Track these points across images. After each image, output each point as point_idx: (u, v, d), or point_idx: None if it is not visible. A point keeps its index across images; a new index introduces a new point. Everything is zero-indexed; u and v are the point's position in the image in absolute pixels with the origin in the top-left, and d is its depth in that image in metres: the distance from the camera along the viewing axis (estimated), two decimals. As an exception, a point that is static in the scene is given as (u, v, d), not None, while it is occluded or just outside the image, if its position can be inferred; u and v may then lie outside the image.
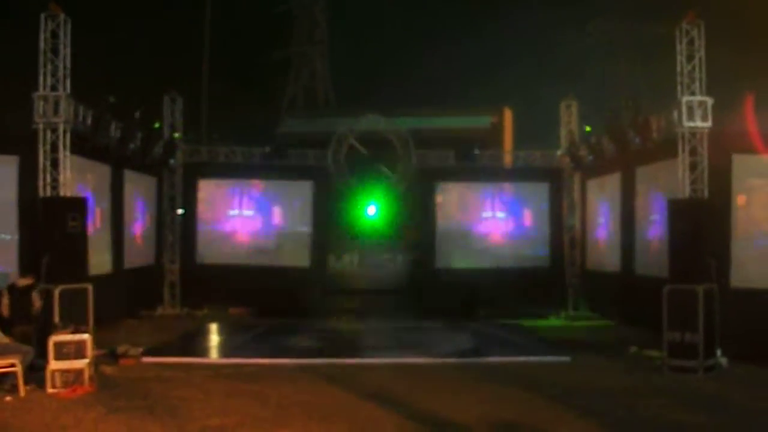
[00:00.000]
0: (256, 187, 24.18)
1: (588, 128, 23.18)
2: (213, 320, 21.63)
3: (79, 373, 12.80)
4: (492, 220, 24.26)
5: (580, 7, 37.00)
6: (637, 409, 11.88)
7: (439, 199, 24.13)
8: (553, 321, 22.13)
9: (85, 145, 17.36)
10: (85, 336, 13.16)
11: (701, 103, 15.64)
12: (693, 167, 15.74)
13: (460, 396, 12.75)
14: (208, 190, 24.14)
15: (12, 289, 13.87)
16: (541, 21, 37.58)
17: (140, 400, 12.13)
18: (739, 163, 16.17)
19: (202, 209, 23.99)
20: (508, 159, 25.44)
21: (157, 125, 21.80)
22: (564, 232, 23.97)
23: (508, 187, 24.37)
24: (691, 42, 15.55)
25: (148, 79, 28.24)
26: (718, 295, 14.65)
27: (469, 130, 28.43)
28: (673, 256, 15.32)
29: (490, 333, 19.78)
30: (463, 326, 20.66)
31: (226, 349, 18.13)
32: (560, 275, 23.77)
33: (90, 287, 14.59)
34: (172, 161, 23.18)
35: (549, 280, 23.52)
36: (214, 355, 17.54)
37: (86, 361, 12.94)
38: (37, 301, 13.99)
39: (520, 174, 24.39)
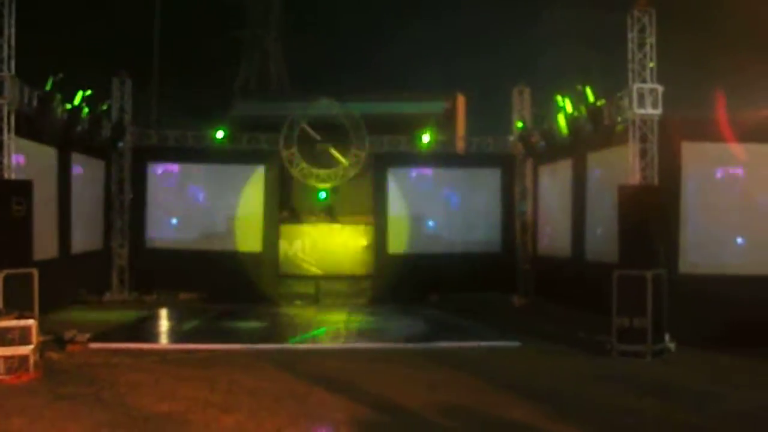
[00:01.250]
0: (207, 170, 23.92)
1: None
2: (163, 305, 21.48)
3: (23, 359, 12.55)
4: (445, 206, 24.29)
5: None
6: (585, 393, 11.99)
7: (392, 184, 24.06)
8: (505, 305, 22.22)
9: (30, 127, 17.00)
10: (30, 321, 12.89)
11: (652, 91, 15.75)
12: (643, 154, 15.86)
13: (410, 381, 12.75)
14: (157, 173, 23.82)
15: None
16: (495, 7, 37.61)
17: (87, 387, 11.94)
18: (689, 150, 16.34)
19: (152, 193, 23.66)
20: (461, 145, 25.46)
21: (105, 107, 21.45)
22: (516, 218, 24.09)
23: (460, 173, 24.40)
24: (642, 29, 15.64)
25: (96, 61, 27.69)
26: (666, 280, 14.82)
27: (423, 116, 28.33)
28: (623, 242, 15.47)
29: (442, 318, 19.84)
30: (416, 311, 20.73)
31: (175, 335, 17.97)
32: (512, 260, 23.90)
33: (35, 272, 14.35)
34: (120, 144, 22.84)
35: (501, 265, 23.60)
36: (163, 340, 17.36)
37: (31, 347, 12.68)
38: None
39: (473, 160, 24.41)
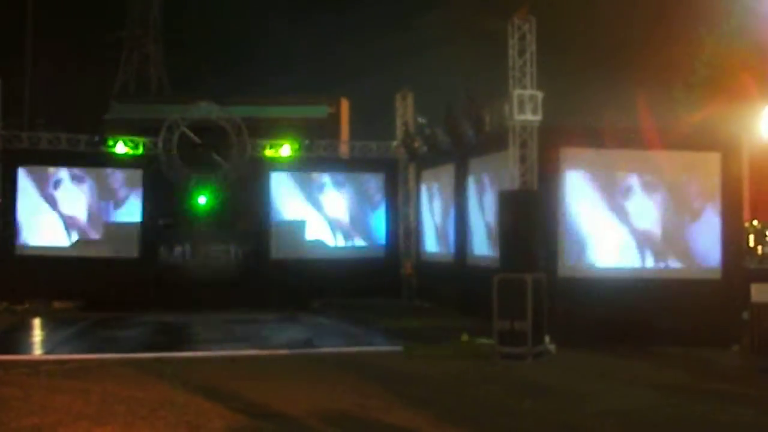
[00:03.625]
0: (82, 175, 23.20)
1: (421, 120, 23.46)
2: (35, 315, 20.71)
3: None
4: (327, 210, 24.21)
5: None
6: (466, 396, 12.04)
7: (274, 188, 23.83)
8: (389, 310, 22.23)
9: None
10: None
11: (532, 97, 15.96)
12: (523, 159, 16.06)
13: (291, 387, 12.56)
14: (29, 178, 22.94)
15: None
16: (378, 13, 37.88)
17: (-50, 401, 11.33)
18: (567, 156, 16.69)
19: (23, 198, 22.78)
20: (344, 149, 25.48)
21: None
22: (399, 222, 24.18)
23: (343, 177, 24.40)
24: (522, 37, 15.86)
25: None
26: (546, 284, 15.04)
27: (306, 120, 28.31)
28: (503, 246, 15.66)
29: (325, 324, 19.75)
30: (298, 318, 20.58)
31: (48, 345, 17.33)
32: (395, 265, 23.97)
33: None
34: (-12, 147, 21.92)
35: (385, 270, 23.68)
36: (35, 351, 16.68)
37: None
38: None
39: (356, 164, 24.47)
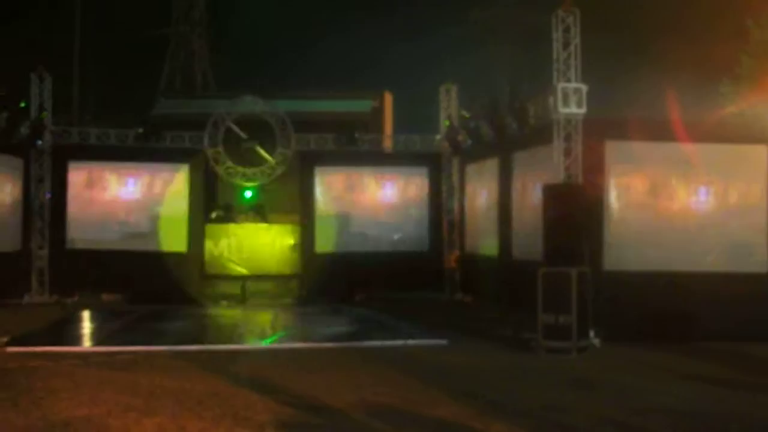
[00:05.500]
0: (130, 169, 23.48)
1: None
2: (84, 307, 20.98)
3: (-64, 364, 12.16)
4: (371, 204, 24.25)
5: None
6: (511, 390, 12.03)
7: (318, 182, 23.95)
8: (433, 304, 22.25)
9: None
10: (-57, 325, 12.51)
11: (576, 90, 15.89)
12: (568, 153, 16.00)
13: (336, 380, 12.65)
14: (79, 172, 23.28)
15: None
16: (424, 6, 37.84)
17: (3, 392, 11.54)
18: (613, 149, 16.57)
19: (73, 193, 23.12)
20: (388, 143, 25.49)
21: (23, 104, 20.92)
22: (443, 217, 24.17)
23: (387, 172, 24.41)
24: (567, 29, 15.78)
25: (14, 56, 27.03)
26: (591, 277, 14.98)
27: (350, 114, 28.36)
28: (548, 240, 15.58)
29: (369, 317, 19.80)
30: (343, 310, 20.67)
31: (97, 337, 17.55)
32: (439, 259, 23.97)
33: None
34: (39, 143, 22.28)
35: (428, 263, 23.66)
36: (84, 343, 16.93)
37: (-56, 351, 12.30)
38: None
39: (400, 158, 24.47)
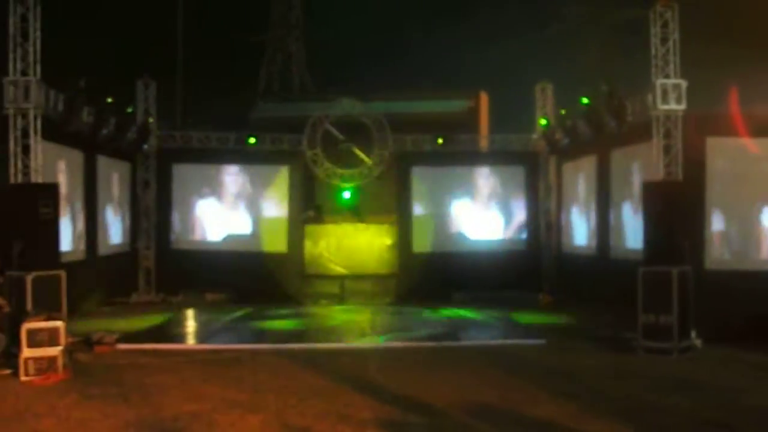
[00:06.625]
0: (232, 171, 24.07)
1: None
2: (189, 306, 21.54)
3: (52, 360, 12.68)
4: (467, 204, 24.27)
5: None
6: (611, 390, 11.93)
7: (415, 183, 24.08)
8: (529, 303, 22.12)
9: (57, 131, 17.17)
10: (59, 323, 13.04)
11: (675, 86, 15.67)
12: (667, 150, 15.78)
13: (436, 379, 12.75)
14: (182, 175, 23.98)
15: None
16: (519, 4, 37.58)
17: (114, 387, 12.03)
18: (713, 145, 16.25)
19: (177, 194, 23.83)
20: (483, 143, 25.47)
21: (130, 110, 21.63)
22: (540, 216, 24.04)
23: (484, 171, 24.39)
24: (665, 25, 15.57)
25: (121, 64, 27.95)
26: (692, 276, 14.72)
27: (445, 114, 28.36)
28: (648, 239, 15.38)
29: (467, 316, 19.84)
30: (440, 310, 20.71)
31: (202, 335, 18.04)
32: (536, 258, 23.86)
33: (63, 274, 14.45)
34: (145, 147, 23.06)
35: (525, 263, 23.56)
36: (190, 341, 17.44)
37: (60, 348, 12.82)
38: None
39: (496, 158, 24.42)
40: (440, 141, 23.77)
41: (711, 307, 14.88)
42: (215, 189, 24.09)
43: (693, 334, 14.82)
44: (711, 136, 16.22)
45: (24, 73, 15.30)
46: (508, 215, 24.15)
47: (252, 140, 23.55)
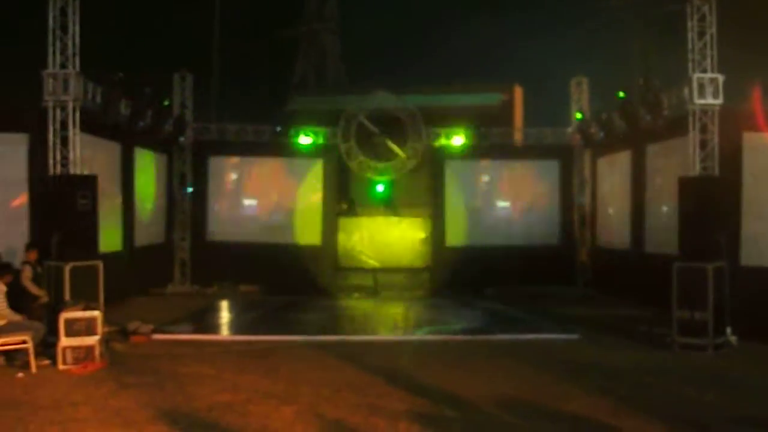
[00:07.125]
0: (267, 164, 24.21)
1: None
2: (223, 297, 21.73)
3: (89, 349, 12.89)
4: (502, 198, 24.23)
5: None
6: (645, 386, 11.92)
7: (448, 176, 24.06)
8: (563, 298, 22.04)
9: (95, 123, 17.38)
10: (96, 313, 13.25)
11: (712, 80, 15.57)
12: (703, 145, 15.68)
13: (469, 372, 12.80)
14: (218, 167, 24.16)
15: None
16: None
17: (150, 377, 12.21)
18: (750, 140, 16.08)
19: (213, 187, 24.01)
20: (518, 136, 25.36)
21: (166, 103, 21.80)
22: (574, 210, 23.95)
23: (518, 165, 24.33)
24: (702, 18, 15.46)
25: (158, 57, 28.16)
26: (727, 272, 14.61)
27: (480, 108, 28.29)
28: (683, 234, 15.29)
29: (500, 310, 19.81)
30: (473, 303, 20.72)
31: (236, 326, 18.21)
32: (570, 253, 23.78)
33: (100, 264, 14.64)
34: (182, 139, 23.25)
35: (559, 257, 23.46)
36: (224, 332, 17.57)
37: (97, 337, 13.03)
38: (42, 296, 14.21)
39: (531, 152, 24.30)
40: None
41: (746, 304, 14.75)
42: (250, 181, 24.24)
43: (728, 330, 14.72)
44: (748, 131, 16.04)
45: (63, 66, 15.54)
46: (541, 209, 24.04)
47: (292, 133, 23.64)
